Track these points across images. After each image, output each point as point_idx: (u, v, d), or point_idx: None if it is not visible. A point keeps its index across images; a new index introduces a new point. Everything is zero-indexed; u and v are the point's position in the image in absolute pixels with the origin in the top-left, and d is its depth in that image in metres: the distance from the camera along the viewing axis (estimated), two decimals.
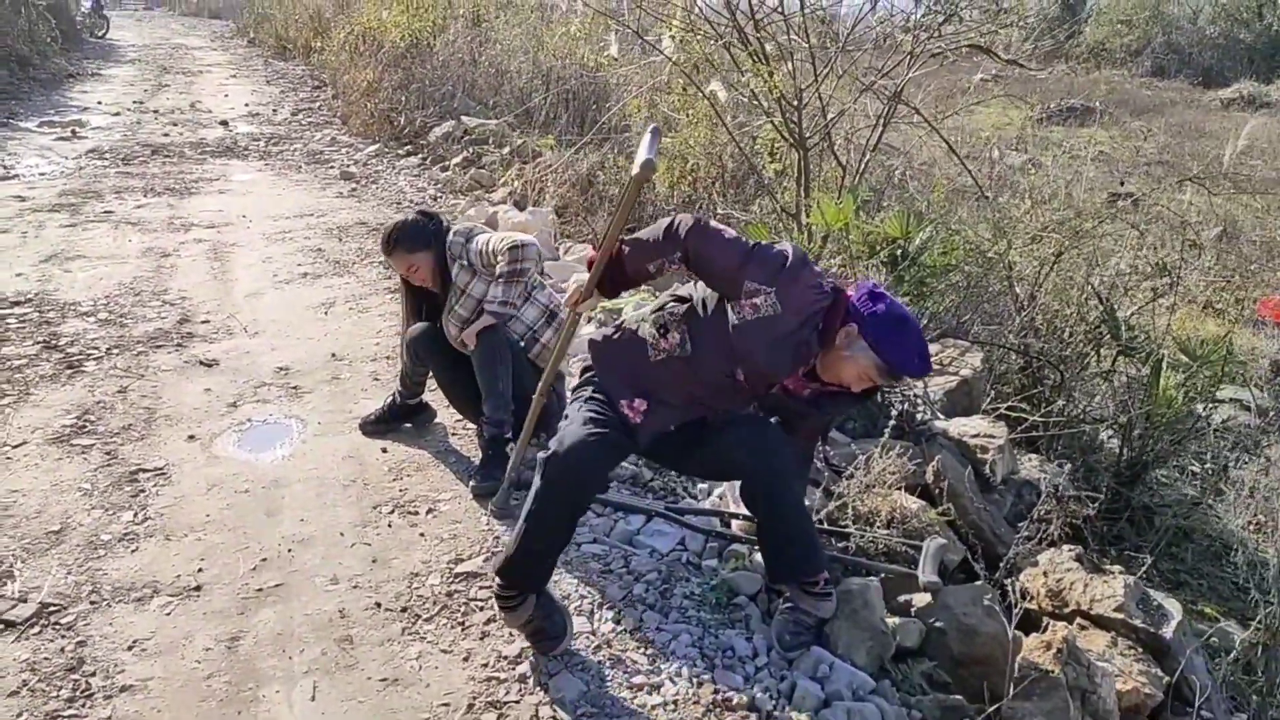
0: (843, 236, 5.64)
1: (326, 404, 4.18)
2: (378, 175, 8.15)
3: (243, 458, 3.76)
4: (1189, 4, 26.01)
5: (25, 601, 2.89)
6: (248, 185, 7.80)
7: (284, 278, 5.59)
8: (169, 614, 2.89)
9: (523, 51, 10.96)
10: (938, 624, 2.89)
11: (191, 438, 3.89)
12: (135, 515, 3.36)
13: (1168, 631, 3.18)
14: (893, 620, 2.88)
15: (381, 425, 3.91)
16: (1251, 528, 5.05)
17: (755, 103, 6.17)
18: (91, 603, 2.93)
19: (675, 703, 2.55)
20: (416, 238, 3.65)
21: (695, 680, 2.62)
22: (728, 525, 3.34)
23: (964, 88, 6.86)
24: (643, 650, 2.75)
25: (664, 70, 9.04)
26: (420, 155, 8.82)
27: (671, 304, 2.75)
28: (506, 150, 8.69)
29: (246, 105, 11.53)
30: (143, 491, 3.51)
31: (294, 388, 4.32)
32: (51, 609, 2.89)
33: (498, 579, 2.71)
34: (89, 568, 3.08)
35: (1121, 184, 9.74)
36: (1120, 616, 3.18)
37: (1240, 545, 4.78)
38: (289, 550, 3.20)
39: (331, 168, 8.51)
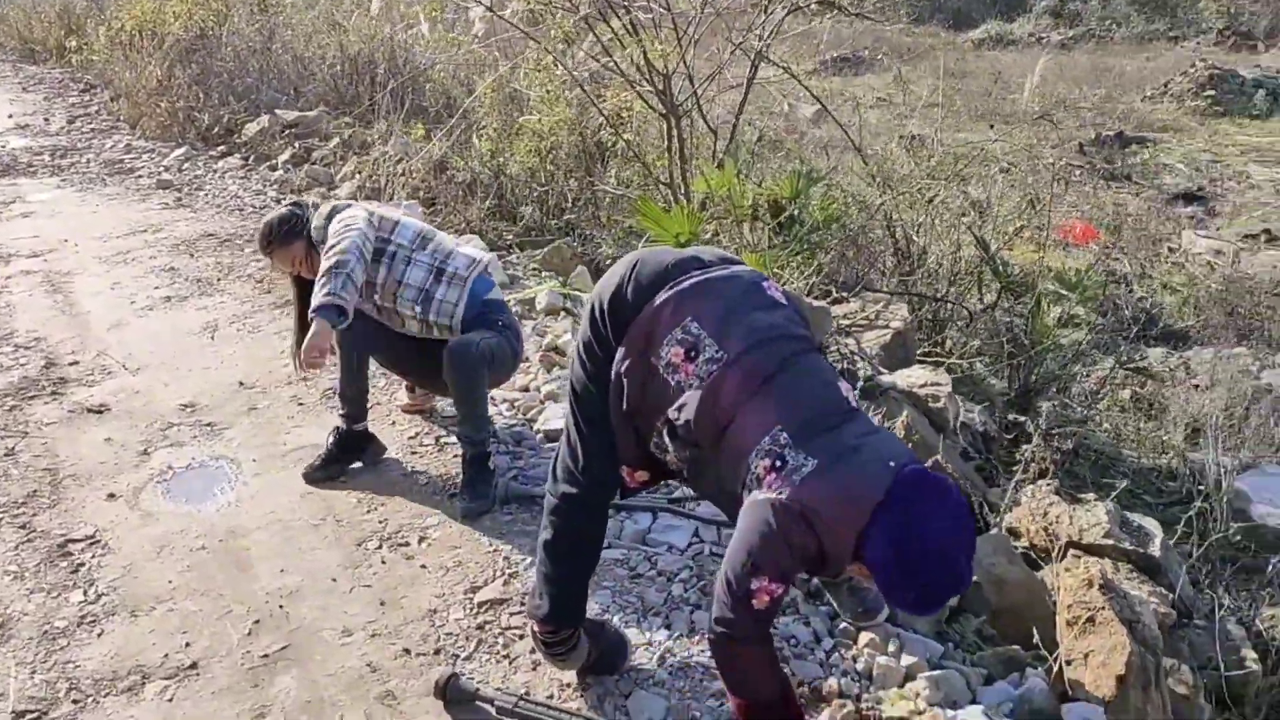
0: (725, 201, 5.64)
1: (253, 438, 3.82)
2: (200, 181, 7.51)
3: (182, 511, 3.39)
4: None
5: None
6: (51, 205, 7.02)
7: (144, 304, 5.06)
8: (171, 700, 2.57)
9: (323, 36, 10.40)
10: (974, 580, 2.94)
11: (112, 496, 3.47)
12: (85, 594, 2.96)
13: (1155, 549, 3.36)
14: None
15: (333, 469, 3.53)
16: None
17: (616, 75, 6.06)
18: (75, 702, 2.57)
19: None
20: (292, 230, 3.47)
21: None
22: None
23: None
24: (708, 652, 2.65)
25: (491, 47, 8.78)
26: (240, 155, 8.18)
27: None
28: (335, 143, 8.20)
29: (10, 117, 10.34)
30: (82, 565, 3.10)
31: (208, 425, 3.92)
32: (29, 716, 2.52)
33: (539, 627, 2.53)
34: (54, 662, 2.70)
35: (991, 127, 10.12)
36: (1110, 542, 3.34)
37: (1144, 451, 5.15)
38: (280, 607, 2.91)
39: (140, 177, 7.78)
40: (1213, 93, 15.91)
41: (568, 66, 5.90)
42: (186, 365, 4.39)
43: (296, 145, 8.21)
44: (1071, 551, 3.33)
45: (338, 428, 3.54)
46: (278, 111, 8.87)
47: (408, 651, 2.72)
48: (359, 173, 7.47)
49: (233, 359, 4.44)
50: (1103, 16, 21.59)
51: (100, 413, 4.01)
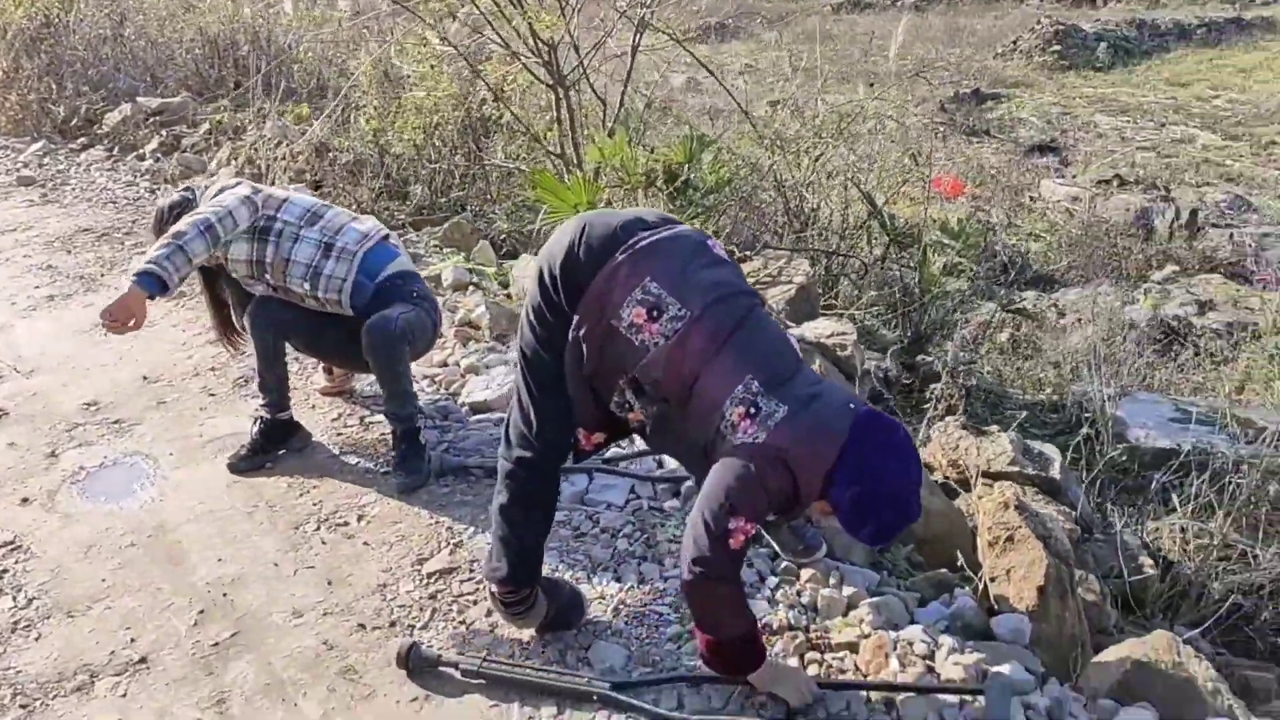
0: (619, 170, 5.71)
1: (166, 433, 3.72)
2: (64, 176, 7.16)
3: (103, 510, 3.30)
4: None
5: None
6: None
7: (26, 304, 4.85)
8: (125, 695, 2.53)
9: (179, 19, 10.02)
10: None
11: (25, 500, 3.35)
12: (15, 599, 2.87)
13: (1055, 473, 3.60)
14: None
15: (259, 458, 3.47)
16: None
17: (499, 47, 6.03)
18: (22, 706, 2.51)
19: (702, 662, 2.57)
20: (183, 213, 3.32)
21: None
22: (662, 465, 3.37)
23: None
24: (659, 601, 2.75)
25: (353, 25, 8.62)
26: (103, 147, 7.83)
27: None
28: (204, 129, 7.94)
29: None
30: (5, 572, 3.00)
31: (115, 423, 3.81)
32: None
33: (499, 588, 2.58)
34: None
35: (864, 96, 10.31)
36: (1016, 469, 3.56)
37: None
38: (223, 595, 2.87)
39: None
40: (1059, 48, 16.70)
41: (450, 40, 5.84)
42: (83, 364, 4.24)
43: (164, 133, 7.92)
44: (982, 480, 3.54)
45: (261, 418, 3.49)
46: (139, 99, 8.52)
47: (362, 627, 2.73)
48: (235, 158, 7.27)
49: (131, 355, 4.30)
50: None
51: None
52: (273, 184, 6.56)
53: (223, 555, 3.04)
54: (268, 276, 3.36)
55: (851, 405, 2.16)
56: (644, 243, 2.28)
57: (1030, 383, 5.67)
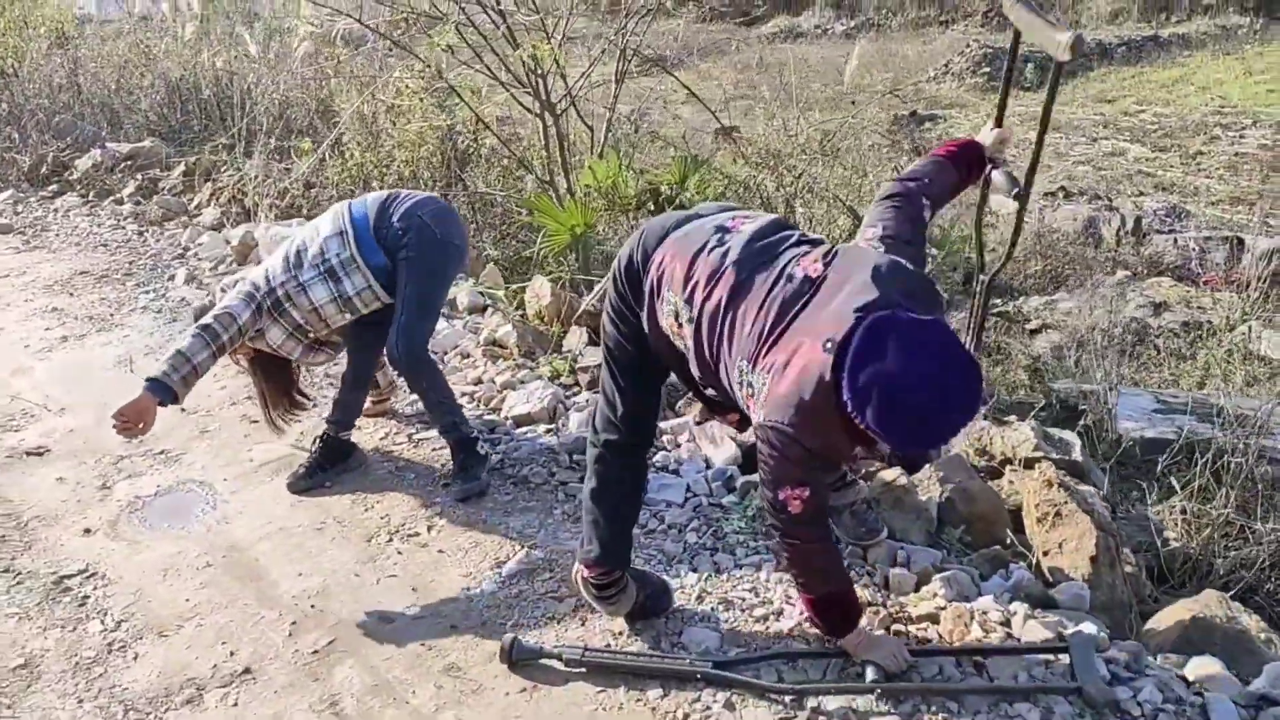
0: (610, 192, 5.89)
1: (215, 460, 3.79)
2: (42, 222, 7.12)
3: (170, 534, 3.35)
4: None
5: None
6: None
7: (40, 346, 4.85)
8: (236, 704, 2.61)
9: (136, 66, 10.01)
10: (947, 496, 3.28)
11: (88, 531, 3.39)
12: (104, 623, 2.92)
13: (1077, 456, 3.82)
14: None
15: (319, 477, 3.56)
16: None
17: (491, 79, 6.18)
18: None
19: (803, 621, 2.72)
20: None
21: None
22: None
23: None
24: (740, 586, 2.89)
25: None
26: (77, 193, 7.78)
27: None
28: (179, 171, 7.95)
29: None
30: (87, 598, 3.04)
31: (161, 454, 3.85)
32: None
33: (595, 570, 2.70)
34: (97, 689, 2.67)
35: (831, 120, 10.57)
36: (1040, 454, 3.77)
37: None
38: (311, 606, 2.96)
39: None
40: (988, 69, 17.28)
41: (444, 75, 5.98)
42: (114, 400, 4.13)
43: (139, 177, 7.91)
44: (1009, 467, 3.75)
45: (324, 435, 3.58)
46: (109, 145, 8.50)
47: (455, 628, 2.83)
48: (216, 198, 7.31)
49: None
50: (879, 6, 23.02)
51: (40, 454, 3.87)
52: (260, 220, 6.63)
53: (302, 569, 3.12)
54: (311, 334, 3.44)
55: (831, 339, 2.07)
56: (665, 251, 2.48)
57: (1006, 385, 5.92)
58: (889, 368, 1.93)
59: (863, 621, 2.61)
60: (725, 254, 2.39)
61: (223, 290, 3.58)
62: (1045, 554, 3.06)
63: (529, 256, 5.87)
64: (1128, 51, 18.22)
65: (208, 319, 3.25)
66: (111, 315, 5.20)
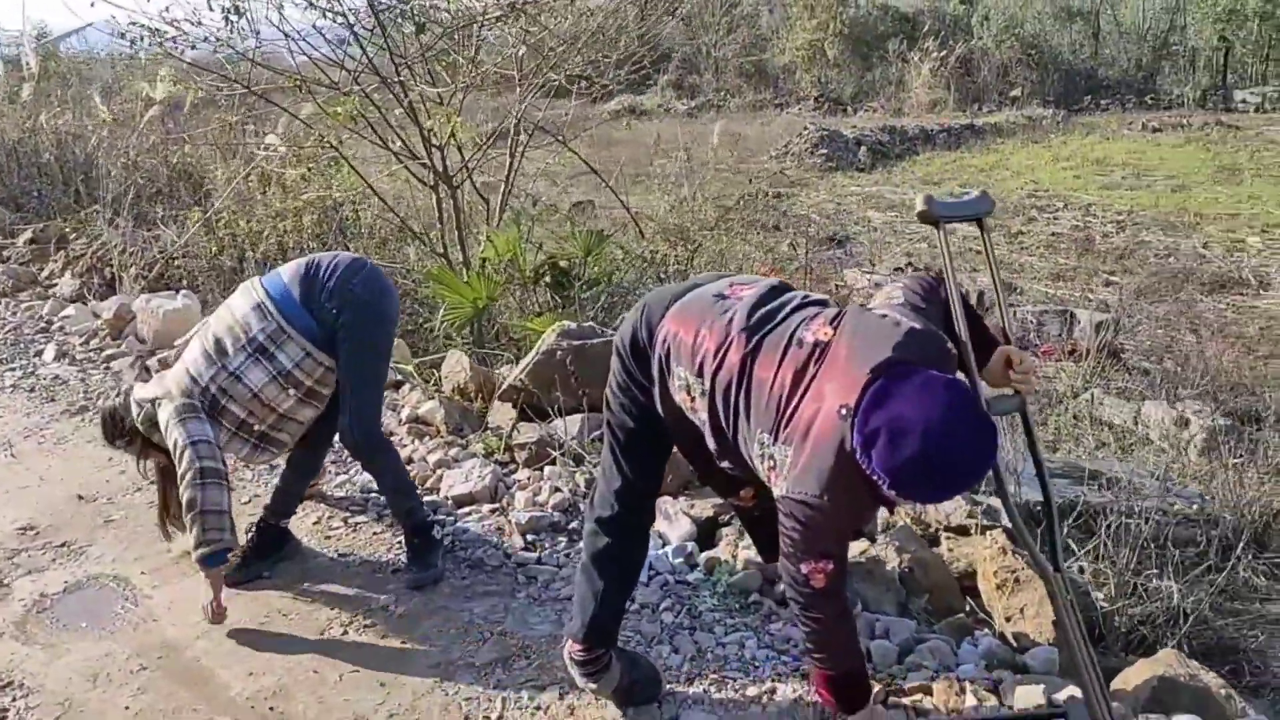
0: (509, 265, 5.86)
1: (127, 553, 3.49)
2: None
3: (90, 636, 3.05)
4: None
5: None
6: None
7: None
8: None
9: None
10: (907, 567, 3.35)
11: None
12: None
13: (1006, 522, 3.97)
14: None
15: (254, 568, 3.31)
16: None
17: (386, 150, 6.08)
18: None
19: (800, 696, 2.70)
20: (123, 436, 3.24)
21: (794, 671, 2.80)
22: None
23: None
24: (728, 666, 2.85)
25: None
26: None
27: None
28: (25, 239, 7.43)
29: None
30: (5, 712, 2.72)
31: (61, 546, 3.53)
32: None
33: (579, 646, 2.63)
34: None
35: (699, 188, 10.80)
36: (974, 521, 3.90)
37: None
38: (270, 708, 2.74)
39: None
40: (825, 151, 18.16)
41: (338, 148, 5.84)
42: (1, 488, 3.89)
43: None
44: (944, 534, 3.86)
45: (257, 524, 3.35)
46: None
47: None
48: (71, 267, 6.86)
49: (53, 474, 3.99)
50: (718, 88, 23.93)
51: None
52: (121, 288, 6.26)
53: (253, 669, 2.89)
54: (257, 427, 3.18)
55: (845, 407, 2.10)
56: (667, 328, 2.47)
57: None
58: (896, 411, 2.00)
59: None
60: (730, 322, 2.39)
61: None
62: (1008, 619, 3.15)
63: (430, 329, 5.74)
64: (948, 137, 19.52)
65: (196, 464, 2.95)
66: None
